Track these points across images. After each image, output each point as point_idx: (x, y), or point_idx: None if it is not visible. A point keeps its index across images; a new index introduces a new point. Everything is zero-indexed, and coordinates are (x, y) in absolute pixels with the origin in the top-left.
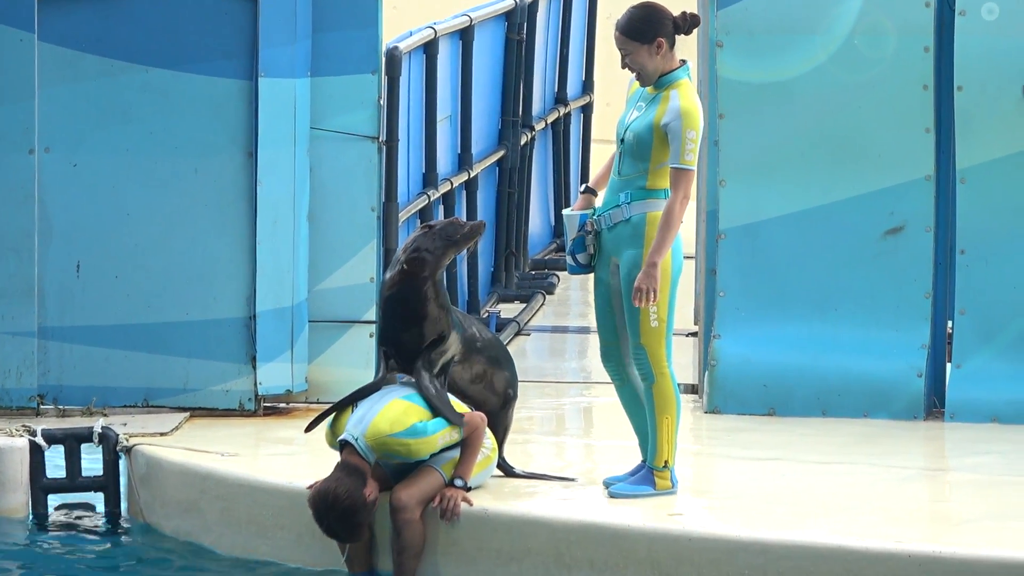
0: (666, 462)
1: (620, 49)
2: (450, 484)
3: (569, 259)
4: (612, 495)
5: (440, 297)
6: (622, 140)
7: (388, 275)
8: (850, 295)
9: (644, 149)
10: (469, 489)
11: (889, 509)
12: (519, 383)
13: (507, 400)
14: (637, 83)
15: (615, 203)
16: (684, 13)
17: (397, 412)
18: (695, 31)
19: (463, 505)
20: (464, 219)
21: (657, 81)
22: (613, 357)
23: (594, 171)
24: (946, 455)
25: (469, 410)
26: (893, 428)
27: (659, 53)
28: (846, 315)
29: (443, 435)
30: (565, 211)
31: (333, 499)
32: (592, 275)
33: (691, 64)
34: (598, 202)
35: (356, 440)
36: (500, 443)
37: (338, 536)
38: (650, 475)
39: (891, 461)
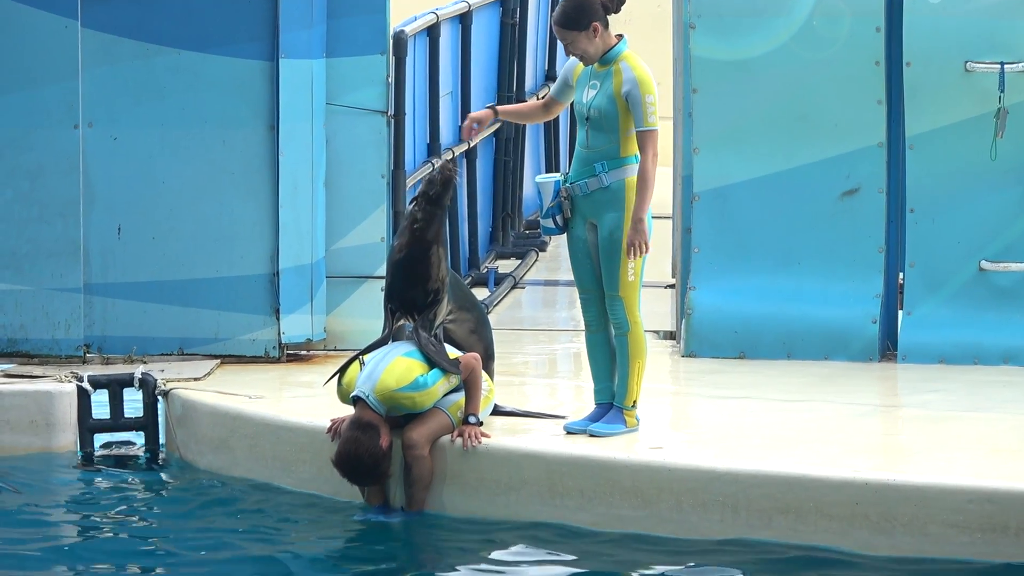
0: (635, 402)
1: (560, 39)
2: (465, 421)
3: (547, 222)
4: (592, 434)
5: (444, 261)
6: (587, 118)
7: (397, 241)
8: (811, 250)
9: (611, 121)
10: (481, 423)
11: (847, 442)
12: (521, 331)
13: (490, 356)
14: (581, 65)
15: (591, 173)
16: None
17: (402, 369)
18: (679, 15)
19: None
20: (440, 175)
21: (602, 58)
22: (593, 304)
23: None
24: (898, 393)
25: (464, 356)
26: (851, 369)
27: (596, 36)
28: (808, 268)
29: (442, 384)
30: (538, 177)
31: (356, 460)
32: (565, 235)
33: (666, 44)
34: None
35: (367, 396)
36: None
37: (365, 484)
38: (620, 414)
39: (849, 399)
